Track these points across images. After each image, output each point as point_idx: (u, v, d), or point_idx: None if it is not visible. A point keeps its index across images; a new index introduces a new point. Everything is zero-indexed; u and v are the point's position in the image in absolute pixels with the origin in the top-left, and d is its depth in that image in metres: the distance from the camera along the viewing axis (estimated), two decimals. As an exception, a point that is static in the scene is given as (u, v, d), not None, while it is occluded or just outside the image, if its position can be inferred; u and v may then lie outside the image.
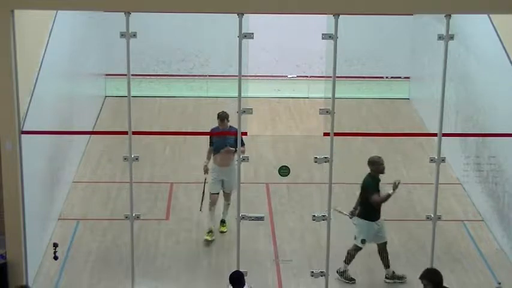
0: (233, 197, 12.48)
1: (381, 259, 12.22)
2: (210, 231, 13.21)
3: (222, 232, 13.39)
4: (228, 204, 13.49)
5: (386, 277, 12.22)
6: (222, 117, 13.12)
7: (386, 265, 12.22)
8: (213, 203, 13.31)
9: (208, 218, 13.33)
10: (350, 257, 12.20)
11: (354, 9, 10.85)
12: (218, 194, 13.36)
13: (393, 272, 12.20)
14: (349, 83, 19.09)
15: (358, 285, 12.20)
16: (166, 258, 12.78)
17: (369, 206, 12.04)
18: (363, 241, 12.11)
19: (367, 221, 12.08)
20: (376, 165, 12.06)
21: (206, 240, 13.13)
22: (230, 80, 18.20)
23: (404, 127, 17.92)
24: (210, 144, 13.40)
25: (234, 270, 10.41)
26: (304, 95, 19.64)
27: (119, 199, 14.42)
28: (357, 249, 12.20)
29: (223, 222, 13.53)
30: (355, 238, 12.17)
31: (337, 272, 12.20)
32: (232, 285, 9.80)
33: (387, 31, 19.07)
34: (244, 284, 9.89)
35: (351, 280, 12.21)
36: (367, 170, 15.88)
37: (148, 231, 13.42)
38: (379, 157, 12.14)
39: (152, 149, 16.18)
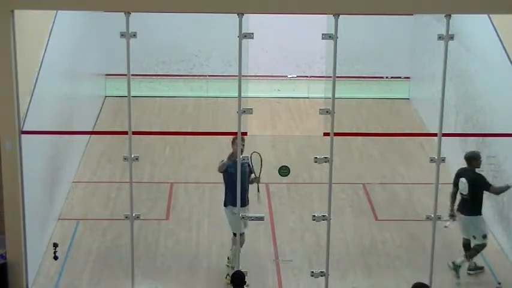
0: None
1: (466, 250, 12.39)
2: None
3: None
4: (235, 250, 11.86)
5: (469, 269, 12.36)
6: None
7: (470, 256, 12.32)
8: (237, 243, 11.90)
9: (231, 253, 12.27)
10: (475, 252, 12.27)
11: (354, 9, 10.85)
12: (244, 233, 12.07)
13: (475, 264, 12.33)
14: (349, 83, 19.09)
15: (359, 285, 12.22)
16: (166, 258, 12.78)
17: (479, 201, 12.16)
18: (485, 236, 12.19)
19: (481, 216, 12.19)
20: (478, 160, 12.25)
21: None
22: (230, 80, 18.20)
23: (404, 127, 17.92)
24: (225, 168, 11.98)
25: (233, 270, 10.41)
26: (304, 95, 19.64)
27: (119, 199, 14.42)
28: (483, 246, 12.26)
29: (229, 275, 11.61)
30: (474, 238, 12.22)
31: (469, 270, 12.35)
32: (233, 285, 9.79)
33: (387, 31, 19.07)
34: (245, 284, 9.90)
35: (481, 268, 12.40)
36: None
37: (148, 231, 13.42)
38: (478, 151, 12.31)
39: (152, 149, 16.18)
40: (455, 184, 12.40)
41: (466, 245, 12.45)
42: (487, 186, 12.23)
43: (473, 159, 12.28)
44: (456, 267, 12.22)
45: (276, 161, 15.42)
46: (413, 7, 10.93)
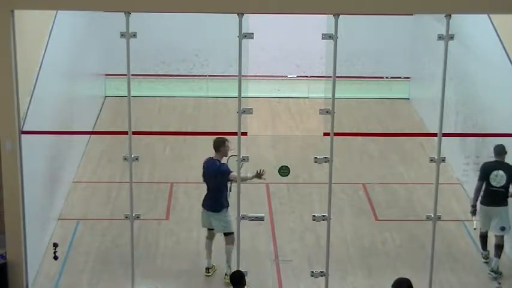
0: (233, 196, 12.19)
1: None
2: (207, 269, 12.33)
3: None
4: (230, 249, 12.04)
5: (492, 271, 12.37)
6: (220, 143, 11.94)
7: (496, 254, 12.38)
8: (210, 237, 12.38)
9: (205, 251, 12.44)
10: (502, 248, 12.33)
11: (354, 9, 10.85)
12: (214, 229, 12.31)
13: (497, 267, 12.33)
14: (349, 83, 19.09)
15: (359, 285, 12.23)
16: (166, 258, 12.78)
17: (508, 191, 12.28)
18: (510, 227, 12.32)
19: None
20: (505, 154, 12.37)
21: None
22: (230, 80, 18.20)
23: (404, 127, 17.92)
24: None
25: (233, 270, 10.40)
26: (304, 95, 19.64)
27: (119, 199, 14.42)
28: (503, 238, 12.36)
29: (227, 275, 11.93)
30: (503, 229, 12.22)
31: (492, 271, 12.28)
32: (233, 285, 9.80)
33: (387, 31, 19.07)
34: (245, 284, 9.90)
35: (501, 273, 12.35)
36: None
37: (148, 231, 13.42)
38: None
39: (152, 149, 16.18)
40: (484, 178, 12.34)
41: (485, 236, 12.54)
42: None
43: (505, 151, 12.30)
44: (497, 272, 12.25)
45: (276, 161, 15.43)
46: (413, 7, 10.92)
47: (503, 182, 12.20)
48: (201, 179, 12.33)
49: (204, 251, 12.45)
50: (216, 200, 12.04)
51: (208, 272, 12.27)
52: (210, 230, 12.30)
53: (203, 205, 12.23)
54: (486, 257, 12.57)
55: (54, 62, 13.29)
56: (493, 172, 12.26)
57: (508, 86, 13.04)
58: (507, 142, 12.63)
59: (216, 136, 12.11)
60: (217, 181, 12.00)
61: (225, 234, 12.15)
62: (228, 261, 12.11)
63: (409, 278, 11.01)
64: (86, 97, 17.43)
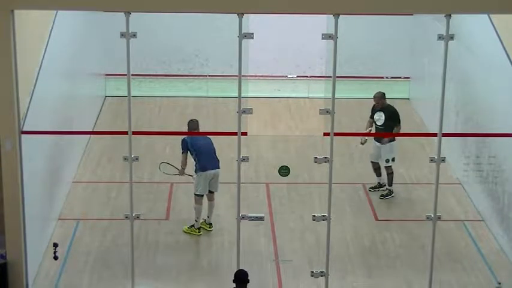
0: (233, 196, 12.18)
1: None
2: (199, 228, 13.55)
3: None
4: (214, 204, 13.70)
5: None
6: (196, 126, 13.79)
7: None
8: (202, 203, 13.56)
9: (196, 215, 13.57)
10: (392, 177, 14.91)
11: (354, 9, 10.85)
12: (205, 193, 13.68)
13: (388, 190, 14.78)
14: (349, 83, 19.08)
15: (359, 285, 12.23)
16: (167, 258, 12.78)
17: None
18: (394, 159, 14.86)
19: None
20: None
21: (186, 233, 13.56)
22: (230, 80, 18.20)
23: (404, 127, 17.87)
24: (185, 152, 13.68)
25: (233, 270, 10.39)
26: (304, 95, 19.63)
27: (119, 199, 14.42)
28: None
29: (210, 225, 13.66)
30: (387, 161, 14.76)
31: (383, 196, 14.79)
32: (237, 283, 9.79)
33: (387, 31, 19.06)
34: (248, 281, 9.90)
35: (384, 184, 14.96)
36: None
37: (148, 231, 13.43)
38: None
39: (152, 149, 16.17)
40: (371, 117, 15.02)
41: (377, 168, 14.95)
42: None
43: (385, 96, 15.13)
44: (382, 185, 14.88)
45: (276, 161, 15.43)
46: (413, 7, 10.94)
47: (382, 121, 14.73)
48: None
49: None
50: (216, 158, 13.53)
51: (200, 231, 13.49)
52: (201, 196, 13.49)
53: (205, 169, 13.43)
54: (379, 184, 15.00)
55: (54, 62, 13.29)
56: (376, 113, 14.82)
57: (508, 86, 13.04)
58: (507, 142, 12.65)
59: (190, 119, 13.88)
60: (211, 145, 13.62)
61: (212, 192, 13.56)
62: (210, 214, 13.60)
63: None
64: (86, 97, 17.42)
